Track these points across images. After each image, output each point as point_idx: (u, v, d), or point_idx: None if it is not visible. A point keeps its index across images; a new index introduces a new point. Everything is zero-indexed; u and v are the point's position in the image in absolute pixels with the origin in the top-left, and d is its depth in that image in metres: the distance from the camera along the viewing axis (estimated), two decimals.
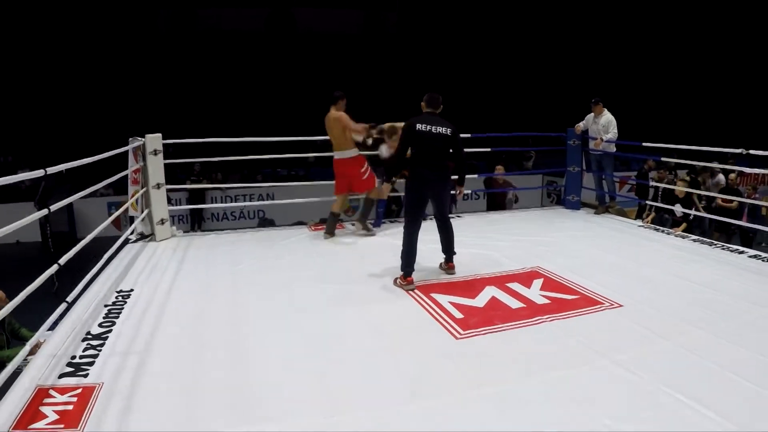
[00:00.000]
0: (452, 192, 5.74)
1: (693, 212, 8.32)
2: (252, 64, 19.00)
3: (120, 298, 4.77)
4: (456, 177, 5.53)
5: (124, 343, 3.92)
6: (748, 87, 22.62)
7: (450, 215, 5.77)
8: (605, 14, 20.86)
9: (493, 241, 6.76)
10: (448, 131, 5.22)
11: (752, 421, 3.05)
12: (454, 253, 5.58)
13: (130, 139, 6.43)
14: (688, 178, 10.13)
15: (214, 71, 18.57)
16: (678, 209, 8.16)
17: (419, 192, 5.32)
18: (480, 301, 4.74)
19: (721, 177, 12.73)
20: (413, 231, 5.26)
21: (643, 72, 21.41)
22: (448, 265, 5.57)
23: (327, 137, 6.93)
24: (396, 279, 5.20)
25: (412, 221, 5.30)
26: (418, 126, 5.24)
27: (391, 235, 6.82)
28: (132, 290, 4.97)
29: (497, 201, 9.99)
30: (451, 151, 5.32)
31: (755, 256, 6.32)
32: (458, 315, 4.43)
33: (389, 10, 20.07)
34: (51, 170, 3.78)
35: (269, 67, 19.00)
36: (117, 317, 4.36)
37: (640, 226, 7.92)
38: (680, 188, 8.54)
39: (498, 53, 19.74)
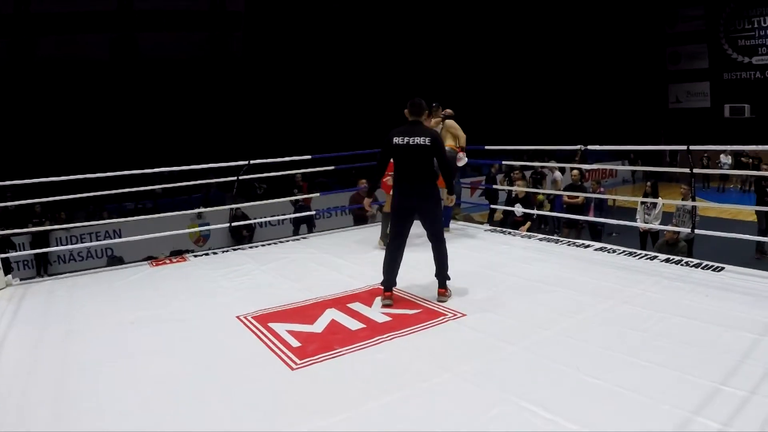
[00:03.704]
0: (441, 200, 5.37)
1: (534, 211, 8.46)
2: (97, 93, 17.86)
3: None
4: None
5: None
6: (584, 86, 23.89)
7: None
8: (434, 20, 21.22)
9: (332, 259, 6.59)
10: (427, 141, 4.91)
11: (601, 421, 2.97)
12: (448, 278, 5.12)
13: None
14: (528, 179, 10.39)
15: (56, 104, 17.23)
16: (518, 209, 8.25)
17: (400, 207, 5.08)
18: (318, 326, 4.51)
19: (557, 174, 13.21)
20: (394, 245, 5.07)
21: (477, 77, 21.93)
22: (438, 291, 5.06)
23: (175, 168, 6.93)
24: None
25: (394, 236, 5.10)
26: (395, 140, 4.97)
27: (242, 266, 6.54)
28: None
29: (363, 216, 10.16)
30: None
31: (601, 249, 6.51)
32: (295, 343, 4.17)
33: (234, 30, 19.60)
34: None
35: (116, 95, 17.95)
36: None
37: (486, 230, 7.93)
38: (519, 188, 8.67)
39: (342, 70, 19.65)
